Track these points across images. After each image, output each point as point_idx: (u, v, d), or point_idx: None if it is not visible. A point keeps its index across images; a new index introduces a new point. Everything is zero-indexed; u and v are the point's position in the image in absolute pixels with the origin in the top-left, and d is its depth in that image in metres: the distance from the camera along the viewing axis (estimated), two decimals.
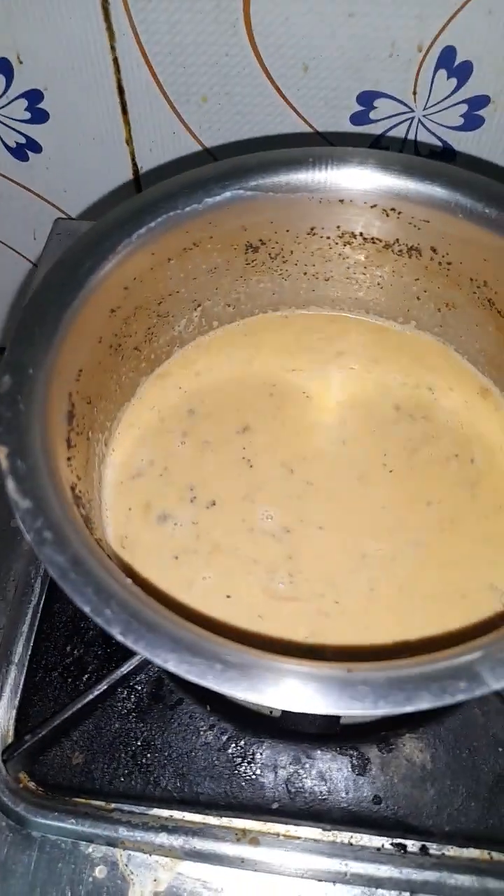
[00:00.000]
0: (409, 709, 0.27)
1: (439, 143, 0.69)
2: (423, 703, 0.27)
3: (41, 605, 0.50)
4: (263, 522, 0.46)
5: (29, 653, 0.49)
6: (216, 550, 0.45)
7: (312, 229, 0.48)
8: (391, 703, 0.27)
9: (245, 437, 0.49)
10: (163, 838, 0.44)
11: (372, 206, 0.45)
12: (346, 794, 0.44)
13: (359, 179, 0.44)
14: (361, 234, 0.48)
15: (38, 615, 0.50)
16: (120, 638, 0.29)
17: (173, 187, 0.43)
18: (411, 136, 0.69)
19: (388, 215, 0.45)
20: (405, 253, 0.48)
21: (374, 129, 0.69)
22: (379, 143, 0.69)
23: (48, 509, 0.33)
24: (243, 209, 0.45)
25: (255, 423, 0.49)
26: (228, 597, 0.43)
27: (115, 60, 0.64)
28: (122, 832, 0.44)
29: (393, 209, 0.45)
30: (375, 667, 0.29)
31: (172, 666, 0.28)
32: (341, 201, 0.45)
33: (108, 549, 0.42)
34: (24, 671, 0.48)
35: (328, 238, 0.48)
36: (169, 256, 0.45)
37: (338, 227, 0.47)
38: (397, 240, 0.47)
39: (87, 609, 0.30)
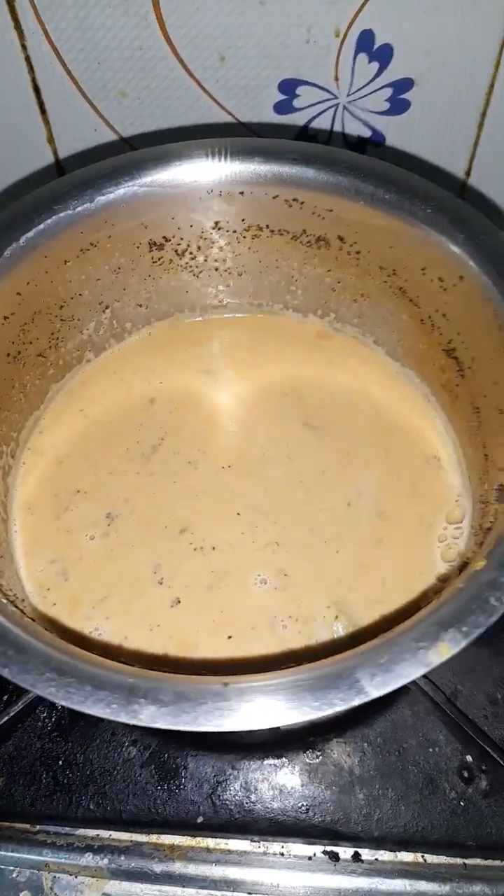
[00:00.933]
0: (283, 723, 0.26)
1: (367, 130, 0.68)
2: (299, 717, 0.26)
3: None
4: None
5: None
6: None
7: (217, 223, 0.46)
8: (265, 718, 0.26)
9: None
10: (88, 859, 0.43)
11: (274, 197, 0.44)
12: (273, 803, 0.43)
13: (257, 170, 0.43)
14: (268, 226, 0.46)
15: None
16: None
17: (63, 186, 0.42)
18: (338, 123, 0.67)
19: (290, 206, 0.44)
20: (314, 244, 0.46)
21: (300, 118, 0.67)
22: (306, 132, 0.68)
23: None
24: (140, 206, 0.43)
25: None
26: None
27: (28, 59, 0.62)
28: (47, 854, 0.43)
29: (295, 199, 0.44)
30: (252, 679, 0.27)
31: (40, 691, 0.27)
32: (241, 193, 0.44)
33: (6, 566, 0.40)
34: None
35: (234, 232, 0.47)
36: (65, 259, 0.43)
37: (242, 220, 0.46)
38: (304, 230, 0.46)
39: None
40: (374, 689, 0.26)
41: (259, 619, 0.42)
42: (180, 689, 0.27)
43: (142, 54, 0.62)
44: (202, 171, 0.43)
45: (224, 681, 0.27)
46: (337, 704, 0.26)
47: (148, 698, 0.27)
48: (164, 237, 0.46)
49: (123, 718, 0.26)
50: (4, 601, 0.31)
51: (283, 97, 0.65)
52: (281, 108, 0.66)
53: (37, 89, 0.65)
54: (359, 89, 0.64)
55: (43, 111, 0.66)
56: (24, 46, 0.61)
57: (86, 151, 0.70)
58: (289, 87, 0.64)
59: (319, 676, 0.27)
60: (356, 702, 0.26)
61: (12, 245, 0.40)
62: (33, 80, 0.64)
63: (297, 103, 0.66)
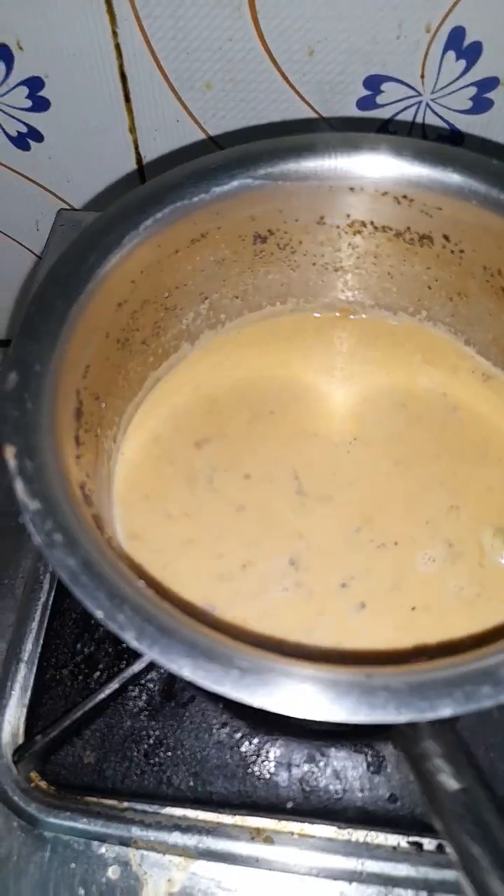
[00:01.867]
0: (431, 716, 0.27)
1: (447, 127, 0.68)
2: (447, 710, 0.27)
3: (50, 602, 0.50)
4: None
5: (39, 650, 0.48)
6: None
7: (322, 218, 0.47)
8: (413, 710, 0.27)
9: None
10: (176, 837, 0.43)
11: (383, 194, 0.44)
12: (362, 792, 0.44)
13: (370, 166, 0.43)
14: (372, 222, 0.46)
15: (48, 612, 0.50)
16: (134, 643, 0.28)
17: (180, 177, 0.42)
18: (419, 121, 0.67)
19: (399, 203, 0.44)
20: (417, 241, 0.47)
21: (382, 114, 0.67)
22: (386, 129, 0.68)
23: (57, 510, 0.32)
24: (251, 198, 0.44)
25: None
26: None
27: (118, 46, 0.63)
28: (135, 831, 0.44)
29: (405, 196, 0.44)
30: (396, 671, 0.28)
31: (188, 672, 0.28)
32: (351, 189, 0.44)
33: (118, 548, 0.41)
34: (35, 669, 0.48)
35: (338, 227, 0.47)
36: (176, 248, 0.44)
37: (347, 215, 0.46)
38: (409, 228, 0.46)
39: (99, 614, 0.29)
40: None
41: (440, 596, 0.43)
42: (327, 678, 0.28)
43: (231, 45, 0.62)
44: (314, 166, 0.43)
45: (368, 672, 0.28)
46: (484, 701, 0.27)
47: (292, 688, 0.27)
48: (269, 230, 0.46)
49: (269, 705, 0.27)
50: (142, 583, 0.32)
51: (367, 93, 0.65)
52: (364, 103, 0.66)
53: (123, 77, 0.65)
54: (443, 87, 0.64)
55: (127, 100, 0.67)
56: (115, 33, 0.62)
57: (166, 142, 0.70)
58: (374, 83, 0.64)
59: (465, 672, 0.28)
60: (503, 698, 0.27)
61: (131, 232, 0.41)
62: (121, 66, 0.64)
63: (380, 99, 0.66)
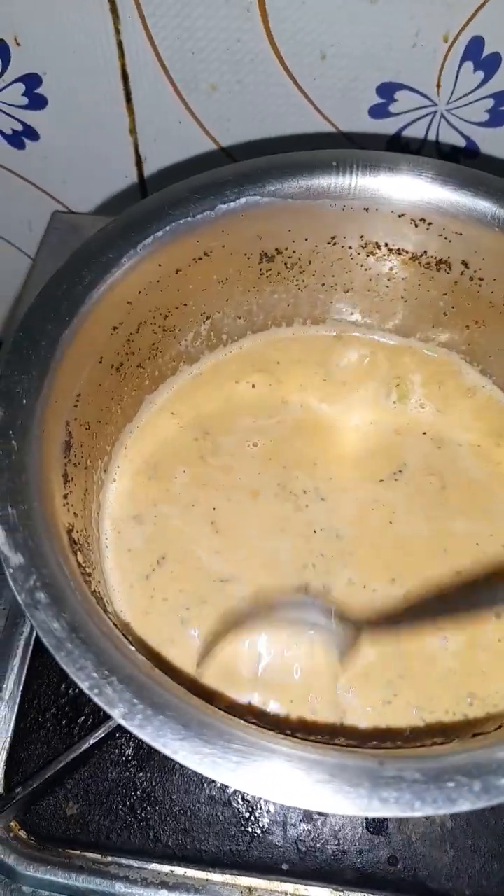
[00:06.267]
0: (450, 811, 0.24)
1: (462, 139, 0.65)
2: (465, 805, 0.24)
3: (33, 638, 0.47)
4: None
5: (20, 690, 0.45)
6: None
7: (333, 238, 0.44)
8: (430, 805, 0.24)
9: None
10: (162, 895, 0.41)
11: (400, 216, 0.42)
12: (361, 854, 0.41)
13: (387, 187, 0.41)
14: (387, 244, 0.44)
15: (31, 648, 0.47)
16: (122, 722, 0.26)
17: (183, 191, 0.39)
18: (432, 131, 0.64)
19: (416, 226, 0.42)
20: (433, 266, 0.44)
21: (395, 123, 0.64)
22: (398, 139, 0.65)
23: (42, 564, 0.29)
24: (259, 216, 0.41)
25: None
26: None
27: (120, 44, 0.60)
28: (119, 888, 0.41)
29: (423, 220, 0.41)
30: (408, 755, 0.25)
31: (181, 758, 0.25)
32: (366, 210, 0.42)
33: (105, 593, 0.38)
34: (16, 710, 0.45)
35: (350, 248, 0.44)
36: (177, 267, 0.41)
37: (361, 236, 0.44)
38: (425, 252, 0.43)
39: (84, 686, 0.26)
40: None
41: None
42: (335, 763, 0.25)
43: (239, 47, 0.59)
44: (328, 184, 0.41)
45: (380, 759, 0.25)
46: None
47: (300, 777, 0.25)
48: (276, 249, 0.44)
49: (274, 798, 0.24)
50: (130, 647, 0.29)
51: (379, 101, 0.62)
52: (376, 112, 0.63)
53: (125, 76, 0.62)
54: (459, 98, 0.61)
55: (129, 100, 0.64)
56: (117, 31, 0.59)
57: (168, 144, 0.67)
58: (387, 90, 0.62)
59: (482, 761, 0.25)
60: None
61: (129, 252, 0.38)
62: (123, 66, 0.61)
63: (393, 108, 0.63)
